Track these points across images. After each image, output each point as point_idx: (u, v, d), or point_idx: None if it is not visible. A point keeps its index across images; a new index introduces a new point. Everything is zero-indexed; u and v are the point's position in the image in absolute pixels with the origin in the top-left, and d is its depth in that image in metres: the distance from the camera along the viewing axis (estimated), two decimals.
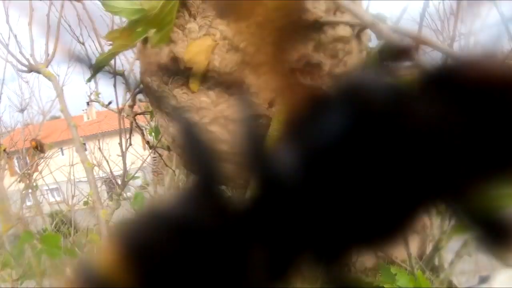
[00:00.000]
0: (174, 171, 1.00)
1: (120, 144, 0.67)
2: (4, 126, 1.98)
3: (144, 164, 2.79)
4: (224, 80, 0.43)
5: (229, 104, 0.44)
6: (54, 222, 1.64)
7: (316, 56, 0.43)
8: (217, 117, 0.44)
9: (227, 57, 0.42)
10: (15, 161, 2.01)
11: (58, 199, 2.17)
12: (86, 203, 1.46)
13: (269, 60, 0.44)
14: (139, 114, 0.70)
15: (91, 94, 1.36)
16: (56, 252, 0.71)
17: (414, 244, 0.70)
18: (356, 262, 1.24)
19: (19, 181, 1.36)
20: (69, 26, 1.40)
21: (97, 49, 1.10)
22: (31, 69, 0.65)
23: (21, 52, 0.76)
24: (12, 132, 2.00)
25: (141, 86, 0.58)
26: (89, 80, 0.55)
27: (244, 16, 0.44)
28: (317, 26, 0.42)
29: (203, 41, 0.42)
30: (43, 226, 1.97)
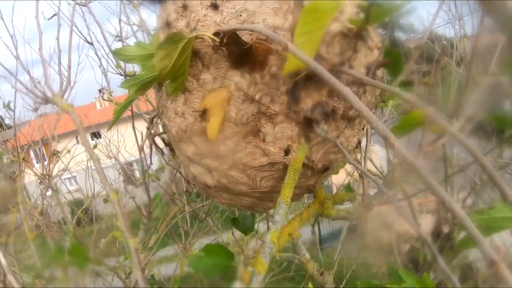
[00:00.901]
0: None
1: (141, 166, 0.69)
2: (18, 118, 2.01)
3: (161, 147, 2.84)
4: (240, 129, 0.44)
5: (247, 152, 0.45)
6: (76, 216, 1.71)
7: (331, 102, 0.43)
8: (236, 163, 0.46)
9: (243, 107, 0.43)
10: (32, 153, 2.07)
11: (75, 187, 2.24)
12: (105, 200, 1.51)
13: (284, 110, 0.45)
14: (158, 134, 0.71)
15: (103, 93, 1.38)
16: (84, 263, 0.76)
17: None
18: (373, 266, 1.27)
19: (40, 183, 1.40)
20: (76, 27, 1.39)
21: (105, 51, 1.12)
22: (47, 101, 0.66)
23: (36, 87, 0.76)
24: (28, 124, 2.03)
25: (159, 111, 0.59)
26: (109, 128, 0.56)
27: (258, 67, 0.44)
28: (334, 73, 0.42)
29: (218, 93, 0.43)
30: (61, 215, 2.06)
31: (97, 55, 1.32)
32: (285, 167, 0.46)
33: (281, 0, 0.42)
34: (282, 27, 0.41)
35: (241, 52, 0.40)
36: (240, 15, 0.42)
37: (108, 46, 1.25)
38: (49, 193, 2.12)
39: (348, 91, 0.30)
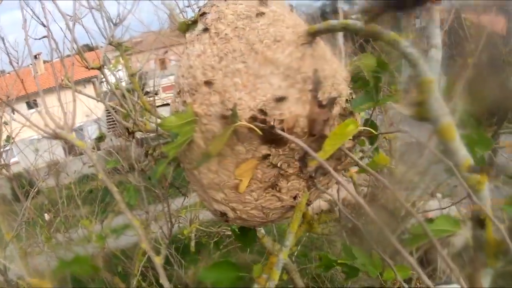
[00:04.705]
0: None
1: None
2: None
3: (98, 116, 2.74)
4: (263, 185, 0.59)
5: (266, 199, 0.60)
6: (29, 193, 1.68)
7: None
8: (257, 206, 0.61)
9: (267, 171, 0.57)
10: None
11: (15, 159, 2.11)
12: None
13: (296, 172, 0.62)
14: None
15: (62, 80, 1.34)
16: (89, 270, 0.83)
17: None
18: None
19: None
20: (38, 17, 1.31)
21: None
22: (57, 137, 0.69)
23: (46, 125, 0.75)
24: None
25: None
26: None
27: (282, 144, 0.61)
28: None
29: (250, 162, 0.56)
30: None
31: (54, 39, 1.25)
32: (291, 207, 0.62)
33: (302, 92, 0.55)
34: (302, 114, 0.55)
35: (270, 134, 0.54)
36: (270, 103, 0.55)
37: (70, 30, 1.21)
38: None
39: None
